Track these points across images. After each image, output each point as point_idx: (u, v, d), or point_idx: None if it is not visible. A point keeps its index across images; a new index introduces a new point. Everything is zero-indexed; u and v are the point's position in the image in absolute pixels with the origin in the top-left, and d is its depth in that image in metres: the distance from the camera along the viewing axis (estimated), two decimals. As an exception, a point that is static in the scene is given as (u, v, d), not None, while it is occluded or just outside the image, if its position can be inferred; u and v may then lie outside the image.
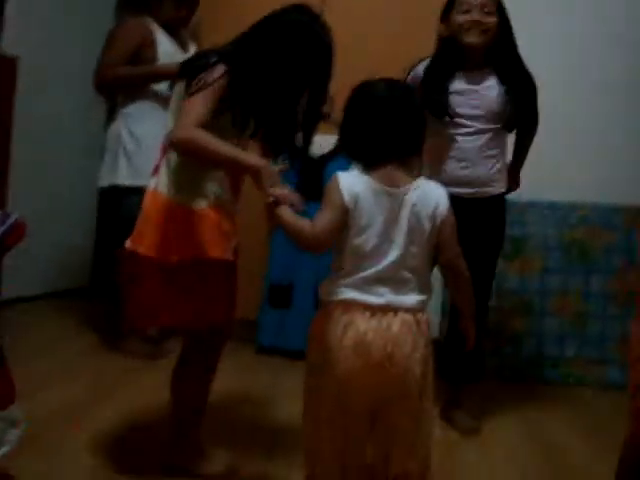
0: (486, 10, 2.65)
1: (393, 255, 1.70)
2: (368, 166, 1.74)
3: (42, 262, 4.32)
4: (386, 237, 1.71)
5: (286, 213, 1.72)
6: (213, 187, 2.00)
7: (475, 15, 2.64)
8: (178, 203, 1.97)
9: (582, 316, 3.57)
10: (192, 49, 3.54)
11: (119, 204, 3.35)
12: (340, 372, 1.66)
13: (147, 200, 2.04)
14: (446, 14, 2.75)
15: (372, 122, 1.73)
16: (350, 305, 1.69)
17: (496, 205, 2.80)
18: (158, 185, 2.01)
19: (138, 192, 3.20)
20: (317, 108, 2.04)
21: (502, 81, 2.71)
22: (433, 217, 1.74)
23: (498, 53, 2.71)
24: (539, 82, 2.79)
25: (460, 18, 2.67)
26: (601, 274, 3.57)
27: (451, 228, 1.77)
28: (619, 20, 3.75)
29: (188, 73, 1.97)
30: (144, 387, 2.94)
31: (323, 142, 3.60)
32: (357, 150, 1.78)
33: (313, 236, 1.69)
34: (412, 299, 1.71)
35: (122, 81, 3.39)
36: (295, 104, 2.03)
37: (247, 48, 1.97)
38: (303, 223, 1.70)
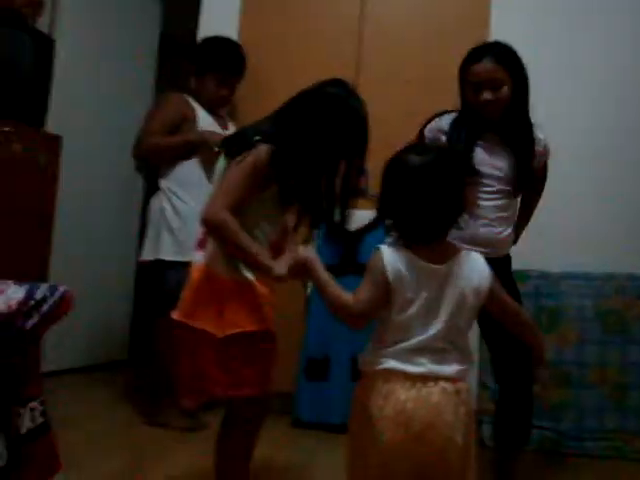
0: (497, 83, 2.57)
1: (435, 328, 1.70)
2: (412, 242, 1.74)
3: (81, 335, 4.38)
4: (429, 312, 1.70)
5: (332, 284, 1.74)
6: None
7: (487, 95, 2.58)
8: (227, 276, 2.02)
9: (621, 387, 3.52)
10: (231, 127, 3.65)
11: (162, 278, 3.40)
12: (382, 442, 1.65)
13: (196, 274, 2.07)
14: (461, 87, 2.69)
15: (411, 197, 1.71)
16: (390, 374, 1.68)
17: (506, 264, 2.77)
18: (206, 259, 2.06)
19: (180, 266, 3.31)
20: (353, 181, 2.09)
21: (507, 143, 2.68)
22: (478, 290, 1.74)
23: (508, 113, 2.65)
24: (559, 146, 2.82)
25: (472, 97, 2.62)
26: (639, 344, 3.54)
27: (499, 290, 1.81)
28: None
29: (230, 150, 2.05)
30: (183, 460, 2.94)
31: (359, 217, 3.68)
32: (400, 226, 1.77)
33: (358, 311, 1.70)
34: (452, 368, 1.71)
35: (162, 149, 3.46)
36: (333, 177, 2.09)
37: (287, 124, 2.03)
38: (347, 297, 1.71)
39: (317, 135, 2.01)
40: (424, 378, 1.68)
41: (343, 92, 2.06)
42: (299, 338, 3.66)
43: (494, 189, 2.67)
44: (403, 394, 1.66)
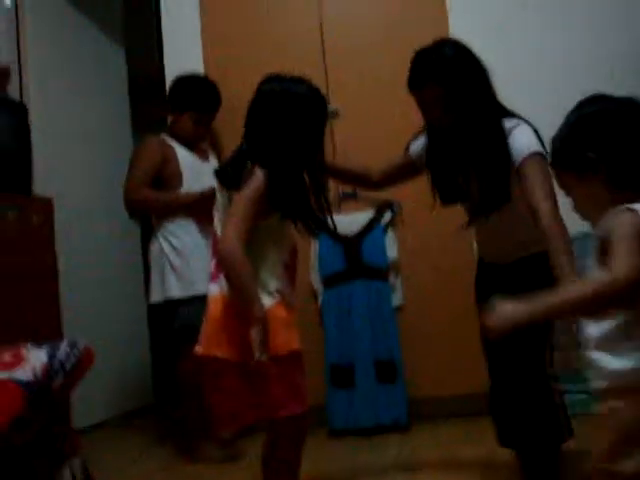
0: (441, 104, 2.43)
1: None
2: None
3: (104, 388, 4.38)
4: None
5: (556, 293, 1.51)
6: (275, 283, 2.09)
7: (430, 117, 2.52)
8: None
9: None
10: (212, 159, 3.73)
11: (173, 316, 3.46)
12: None
13: (213, 305, 2.12)
14: None
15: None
16: None
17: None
18: (222, 289, 2.10)
19: (189, 302, 3.35)
20: (323, 178, 2.22)
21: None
22: None
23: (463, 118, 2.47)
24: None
25: (422, 114, 2.56)
26: None
27: None
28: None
29: (228, 182, 2.10)
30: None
31: (354, 220, 3.72)
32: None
33: (625, 279, 1.38)
34: None
35: (150, 204, 3.57)
36: (319, 180, 2.18)
37: (269, 139, 2.09)
38: (595, 278, 1.46)
39: (298, 139, 2.09)
40: None
41: (306, 90, 2.15)
42: (317, 348, 3.68)
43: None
44: None
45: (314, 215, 2.16)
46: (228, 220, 2.04)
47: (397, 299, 3.78)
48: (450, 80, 2.40)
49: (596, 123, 1.60)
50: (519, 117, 2.51)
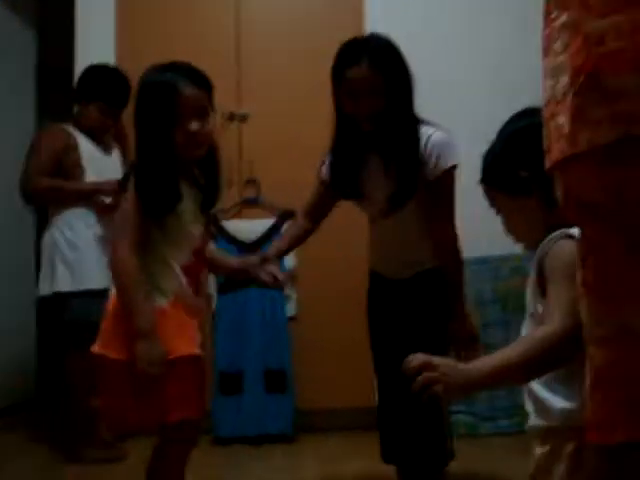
0: (375, 90, 2.29)
1: None
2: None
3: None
4: None
5: (506, 353, 1.33)
6: (170, 284, 2.05)
7: (360, 103, 2.32)
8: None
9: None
10: (115, 152, 3.67)
11: (61, 310, 3.38)
12: None
13: (112, 303, 2.07)
14: (334, 92, 2.41)
15: None
16: None
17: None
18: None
19: (79, 296, 3.28)
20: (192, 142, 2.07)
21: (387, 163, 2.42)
22: None
23: (385, 122, 2.36)
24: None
25: (348, 104, 2.36)
26: (539, 321, 3.66)
27: None
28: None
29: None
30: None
31: (254, 226, 3.71)
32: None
33: (570, 329, 1.28)
34: None
35: (49, 193, 3.46)
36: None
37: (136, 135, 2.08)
38: (541, 331, 1.34)
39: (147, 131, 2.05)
40: None
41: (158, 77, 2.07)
42: (207, 354, 3.63)
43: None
44: None
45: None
46: (115, 229, 2.03)
47: (291, 309, 3.79)
48: (386, 61, 2.31)
49: (528, 139, 1.44)
50: (435, 125, 2.45)
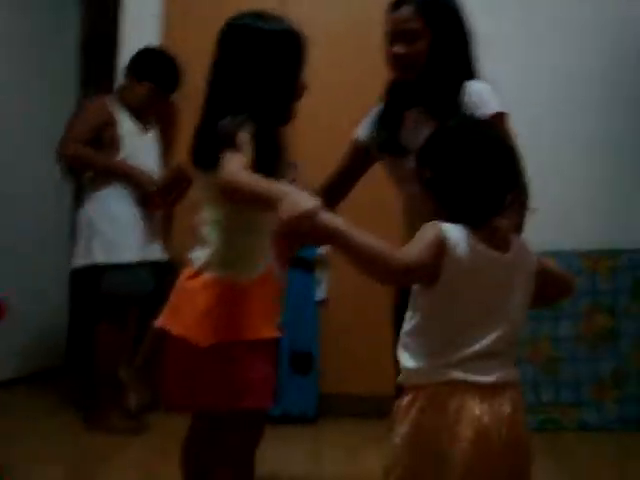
0: (411, 36, 2.16)
1: (502, 328, 1.48)
2: (472, 225, 1.49)
3: (15, 345, 4.29)
4: (494, 307, 1.48)
5: (361, 234, 1.43)
6: (259, 259, 1.88)
7: (398, 48, 2.18)
8: (222, 279, 1.83)
9: (554, 361, 3.65)
10: (152, 132, 3.71)
11: (97, 282, 3.41)
12: (461, 467, 1.38)
13: (184, 278, 1.88)
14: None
15: (478, 172, 1.48)
16: (456, 387, 1.43)
17: None
18: (197, 262, 1.86)
19: (114, 268, 3.32)
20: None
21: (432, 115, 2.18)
22: (532, 276, 1.54)
23: (428, 73, 2.21)
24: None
25: (385, 50, 2.24)
26: (569, 319, 3.66)
27: (544, 260, 1.60)
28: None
29: (204, 160, 1.85)
30: (129, 463, 2.93)
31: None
32: (459, 208, 1.51)
33: (403, 264, 1.41)
34: (514, 373, 1.53)
35: (79, 160, 3.50)
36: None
37: (246, 85, 1.86)
38: (383, 245, 1.42)
39: (274, 83, 1.87)
40: (493, 388, 1.45)
41: (259, 23, 1.90)
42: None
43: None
44: (476, 409, 1.41)
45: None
46: (225, 163, 1.70)
47: (322, 292, 3.79)
48: (433, 10, 2.18)
49: (438, 141, 1.56)
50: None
